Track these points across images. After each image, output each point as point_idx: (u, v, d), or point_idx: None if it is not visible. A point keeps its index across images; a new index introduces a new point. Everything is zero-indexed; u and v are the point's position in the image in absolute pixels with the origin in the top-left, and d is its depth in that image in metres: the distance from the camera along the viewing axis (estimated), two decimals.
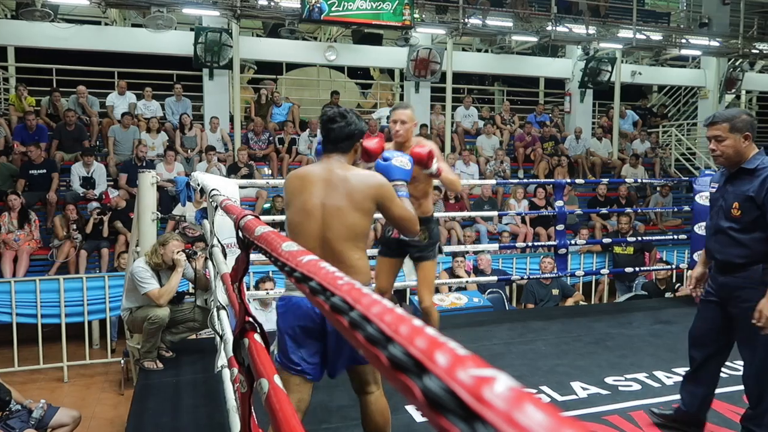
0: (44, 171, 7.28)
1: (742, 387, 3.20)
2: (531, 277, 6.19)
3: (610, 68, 10.57)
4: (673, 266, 6.47)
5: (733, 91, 12.15)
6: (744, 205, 2.40)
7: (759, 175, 2.37)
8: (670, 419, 2.79)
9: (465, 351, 0.39)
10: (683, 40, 10.78)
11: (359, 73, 12.93)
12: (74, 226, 6.65)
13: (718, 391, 3.20)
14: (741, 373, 3.43)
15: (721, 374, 3.44)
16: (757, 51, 11.36)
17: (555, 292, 6.15)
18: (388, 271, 3.18)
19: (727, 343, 2.60)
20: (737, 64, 11.55)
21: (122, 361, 5.37)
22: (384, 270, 3.18)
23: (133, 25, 9.90)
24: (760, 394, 2.50)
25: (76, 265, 6.61)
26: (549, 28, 9.74)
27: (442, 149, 9.82)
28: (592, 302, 7.05)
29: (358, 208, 2.08)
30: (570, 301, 6.17)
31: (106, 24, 9.79)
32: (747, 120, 2.44)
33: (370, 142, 2.66)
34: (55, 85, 9.19)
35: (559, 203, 5.21)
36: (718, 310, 2.56)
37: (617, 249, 7.40)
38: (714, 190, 2.63)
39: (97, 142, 8.49)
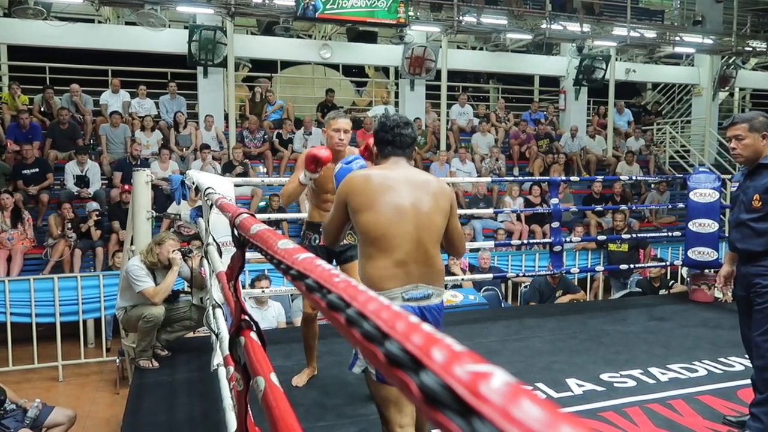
0: (37, 170, 7.25)
1: (735, 383, 3.24)
2: (538, 274, 6.17)
3: (604, 66, 10.59)
4: (668, 263, 6.50)
5: (727, 88, 12.21)
6: (764, 197, 2.61)
7: None
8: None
9: (461, 347, 0.40)
10: (677, 38, 10.82)
11: (354, 71, 12.92)
12: (69, 225, 6.62)
13: (711, 387, 3.23)
14: (735, 369, 3.48)
15: (715, 370, 3.48)
16: (751, 48, 11.42)
17: (559, 293, 6.16)
18: None
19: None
20: (731, 61, 11.60)
21: (117, 360, 5.36)
22: None
23: (127, 23, 9.85)
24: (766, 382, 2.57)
25: (70, 264, 6.59)
26: (543, 25, 9.76)
27: (438, 147, 9.83)
28: (587, 299, 7.07)
29: (442, 210, 2.11)
30: (566, 298, 6.18)
31: (100, 22, 9.74)
32: (764, 121, 2.65)
33: (322, 152, 2.80)
34: (48, 84, 9.14)
35: (554, 201, 5.22)
36: (749, 305, 2.70)
37: (612, 246, 7.42)
38: (734, 188, 2.82)
39: (91, 141, 8.46)
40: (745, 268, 2.70)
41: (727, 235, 2.86)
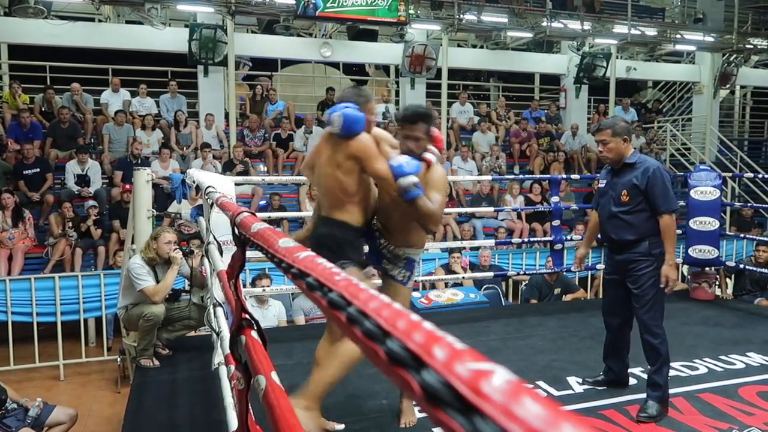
0: (38, 170, 7.25)
1: (736, 381, 3.24)
2: (536, 272, 6.18)
3: (605, 64, 10.58)
4: None
5: (728, 86, 12.19)
6: (631, 192, 2.92)
7: (639, 167, 2.93)
8: (601, 383, 3.24)
9: (463, 345, 0.40)
10: (678, 36, 10.80)
11: (354, 70, 12.91)
12: (69, 224, 6.62)
13: (712, 384, 3.23)
14: (735, 367, 3.48)
15: (716, 368, 3.48)
16: (752, 46, 11.40)
17: (557, 291, 6.15)
18: None
19: (631, 315, 3.11)
20: (732, 59, 11.58)
21: (118, 359, 5.35)
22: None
23: (128, 22, 9.85)
24: (654, 352, 2.95)
25: (71, 263, 6.59)
26: (544, 23, 9.75)
27: None
28: (588, 297, 7.07)
29: None
30: (569, 297, 6.17)
31: (100, 21, 9.74)
32: (624, 126, 3.00)
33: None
34: (48, 83, 9.14)
35: (554, 199, 5.22)
36: (619, 287, 3.08)
37: None
38: (603, 184, 3.11)
39: (92, 140, 8.45)
40: (620, 255, 3.01)
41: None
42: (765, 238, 6.37)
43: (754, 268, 5.53)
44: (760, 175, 7.89)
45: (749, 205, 8.16)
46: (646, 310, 2.94)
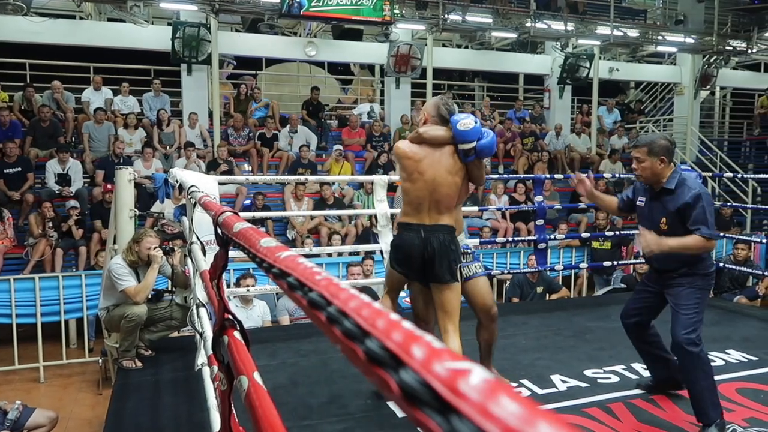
0: (19, 169, 7.14)
1: (716, 378, 3.28)
2: (518, 271, 6.22)
3: (588, 64, 10.67)
4: None
5: (708, 87, 12.37)
6: (670, 221, 2.74)
7: (679, 193, 2.71)
8: (654, 388, 3.12)
9: (441, 344, 0.39)
10: (659, 37, 10.94)
11: (339, 69, 12.89)
12: (50, 224, 6.53)
13: None
14: (715, 364, 3.52)
15: None
16: (731, 48, 11.57)
17: (539, 290, 6.19)
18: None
19: (653, 316, 3.02)
20: (712, 60, 11.75)
21: (100, 361, 5.30)
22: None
23: (109, 20, 9.73)
24: (688, 374, 2.79)
25: (51, 263, 6.50)
26: (528, 24, 9.81)
27: None
28: (571, 296, 7.13)
29: None
30: (554, 296, 6.22)
31: (81, 18, 9.61)
32: (664, 145, 2.74)
33: None
34: (29, 81, 9.00)
35: (538, 198, 5.25)
36: (651, 294, 2.96)
37: (595, 244, 7.48)
38: (642, 203, 2.90)
39: (73, 139, 8.34)
40: (661, 278, 2.89)
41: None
42: (744, 237, 6.47)
43: (733, 267, 5.62)
44: (739, 175, 8.02)
45: (729, 204, 8.27)
46: (683, 326, 2.73)
